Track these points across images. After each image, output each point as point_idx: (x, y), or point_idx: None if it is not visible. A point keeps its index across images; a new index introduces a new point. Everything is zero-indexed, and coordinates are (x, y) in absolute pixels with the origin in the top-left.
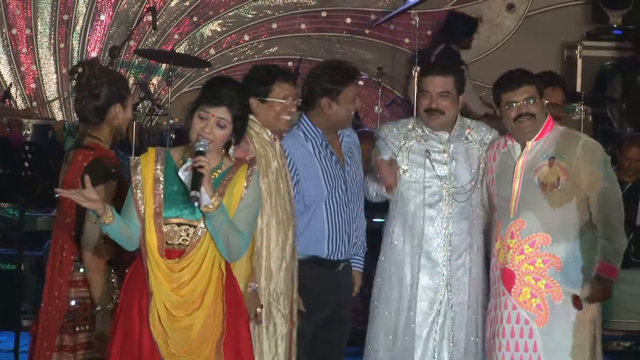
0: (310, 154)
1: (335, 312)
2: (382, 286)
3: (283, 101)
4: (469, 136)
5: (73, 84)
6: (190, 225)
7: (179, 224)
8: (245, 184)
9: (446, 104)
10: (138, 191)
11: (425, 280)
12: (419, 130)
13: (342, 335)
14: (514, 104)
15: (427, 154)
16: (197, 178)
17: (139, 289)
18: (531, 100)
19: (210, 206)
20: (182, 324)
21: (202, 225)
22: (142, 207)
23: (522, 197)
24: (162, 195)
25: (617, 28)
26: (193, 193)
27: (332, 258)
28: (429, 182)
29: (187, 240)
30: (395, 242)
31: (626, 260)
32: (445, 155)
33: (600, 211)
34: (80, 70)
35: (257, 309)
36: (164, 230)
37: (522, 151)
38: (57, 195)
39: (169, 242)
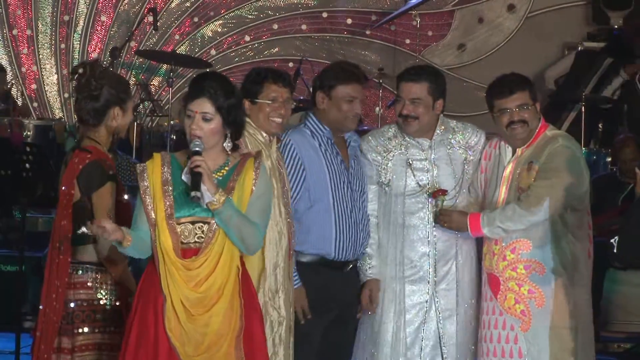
0: (316, 149)
1: (341, 313)
2: None
3: (269, 102)
4: (452, 140)
5: (74, 84)
6: (204, 222)
7: (192, 222)
8: (254, 176)
9: (418, 110)
10: (147, 197)
11: (410, 288)
12: (400, 139)
13: (347, 335)
14: (507, 111)
15: (408, 163)
16: (195, 178)
17: (153, 294)
18: (524, 107)
19: (215, 202)
20: (201, 322)
21: (215, 220)
22: (153, 211)
23: (507, 203)
24: (172, 196)
25: (618, 29)
26: (193, 193)
27: (339, 259)
28: (410, 190)
29: (202, 237)
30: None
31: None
32: (426, 162)
33: (527, 195)
34: (81, 70)
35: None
36: (178, 230)
37: (512, 157)
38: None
39: (184, 241)
